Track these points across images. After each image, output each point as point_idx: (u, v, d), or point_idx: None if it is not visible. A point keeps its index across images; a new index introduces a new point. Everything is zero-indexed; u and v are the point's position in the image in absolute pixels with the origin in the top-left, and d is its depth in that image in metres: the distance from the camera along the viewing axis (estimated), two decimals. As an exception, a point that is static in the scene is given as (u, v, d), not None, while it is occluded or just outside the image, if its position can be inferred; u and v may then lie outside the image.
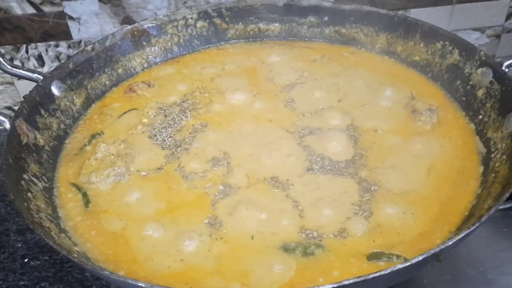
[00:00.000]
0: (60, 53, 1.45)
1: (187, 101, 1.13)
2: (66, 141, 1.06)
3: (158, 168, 0.97)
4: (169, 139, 1.03)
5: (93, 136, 1.05)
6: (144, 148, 1.01)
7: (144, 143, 1.03)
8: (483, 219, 0.71)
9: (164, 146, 1.02)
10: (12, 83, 1.49)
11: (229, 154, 0.98)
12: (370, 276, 0.64)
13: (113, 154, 0.99)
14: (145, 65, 1.27)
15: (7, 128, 0.93)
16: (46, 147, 1.00)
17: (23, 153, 0.93)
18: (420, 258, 0.66)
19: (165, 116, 1.09)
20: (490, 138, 0.96)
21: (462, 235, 0.69)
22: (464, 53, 1.09)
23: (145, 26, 1.25)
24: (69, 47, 1.44)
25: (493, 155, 0.92)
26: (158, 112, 1.11)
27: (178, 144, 1.02)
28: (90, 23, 1.40)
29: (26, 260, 1.08)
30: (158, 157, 0.99)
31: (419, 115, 1.03)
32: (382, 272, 0.64)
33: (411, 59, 1.20)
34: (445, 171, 0.92)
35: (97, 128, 1.08)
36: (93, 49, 1.17)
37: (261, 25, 1.33)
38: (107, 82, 1.20)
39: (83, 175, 0.96)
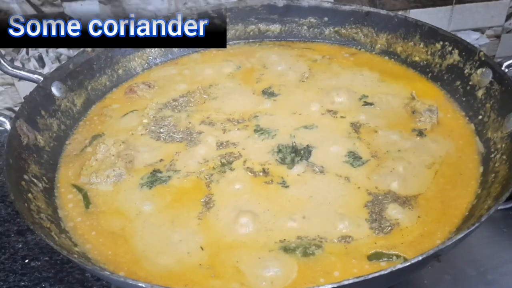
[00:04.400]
0: (61, 54, 1.45)
1: (187, 100, 1.14)
2: (67, 142, 1.06)
3: (158, 167, 0.97)
4: (172, 136, 1.04)
5: (94, 137, 1.05)
6: (145, 148, 1.01)
7: (145, 143, 1.03)
8: (482, 219, 0.71)
9: (170, 138, 1.03)
10: (12, 84, 1.49)
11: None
12: (370, 276, 0.64)
13: (113, 155, 0.99)
14: (145, 65, 1.27)
15: (8, 129, 0.93)
16: (47, 148, 1.01)
17: (24, 154, 0.94)
18: (420, 258, 0.66)
19: (166, 116, 1.10)
20: (490, 138, 0.96)
21: (462, 235, 0.69)
22: (464, 53, 1.09)
23: (145, 27, 1.25)
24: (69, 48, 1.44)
25: (493, 155, 0.93)
26: (159, 112, 1.11)
27: (181, 141, 1.03)
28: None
29: (26, 260, 1.08)
30: (159, 156, 0.99)
31: (419, 116, 1.04)
32: (382, 272, 0.64)
33: (411, 59, 1.21)
34: (448, 172, 0.93)
35: (97, 129, 1.08)
36: (93, 50, 1.17)
37: (261, 25, 1.33)
38: (108, 83, 1.20)
39: (83, 176, 0.96)
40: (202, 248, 0.81)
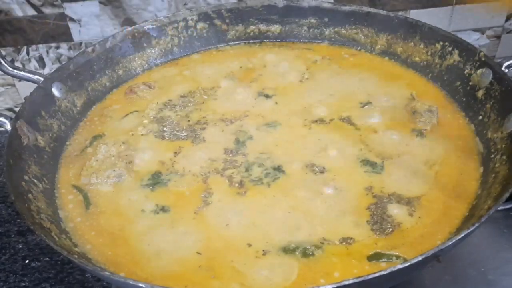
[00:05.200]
0: (61, 55, 1.45)
1: (187, 101, 1.14)
2: (67, 143, 1.06)
3: (159, 168, 0.97)
4: (176, 135, 1.04)
5: (94, 138, 1.05)
6: (145, 148, 1.01)
7: (144, 143, 1.03)
8: (482, 220, 0.71)
9: (171, 139, 1.03)
10: (13, 85, 1.49)
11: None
12: (370, 277, 0.64)
13: (113, 156, 0.99)
14: (146, 66, 1.27)
15: (8, 129, 0.94)
16: (47, 149, 1.01)
17: (24, 154, 0.94)
18: (420, 258, 0.66)
19: (167, 116, 1.10)
20: (490, 139, 0.96)
21: (461, 235, 0.69)
22: (464, 54, 1.09)
23: (146, 28, 1.25)
24: (70, 48, 1.44)
25: (493, 155, 0.93)
26: (159, 113, 1.11)
27: (186, 138, 1.03)
28: (91, 25, 1.41)
29: (27, 261, 1.08)
30: (160, 156, 0.99)
31: (419, 116, 1.03)
32: (382, 272, 0.64)
33: (411, 60, 1.20)
34: (448, 173, 0.92)
35: (98, 129, 1.08)
36: (93, 50, 1.17)
37: (261, 26, 1.33)
38: (108, 84, 1.21)
39: (84, 177, 0.96)
40: (199, 253, 0.81)
